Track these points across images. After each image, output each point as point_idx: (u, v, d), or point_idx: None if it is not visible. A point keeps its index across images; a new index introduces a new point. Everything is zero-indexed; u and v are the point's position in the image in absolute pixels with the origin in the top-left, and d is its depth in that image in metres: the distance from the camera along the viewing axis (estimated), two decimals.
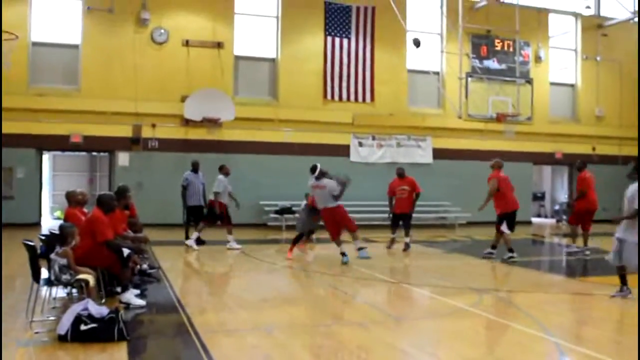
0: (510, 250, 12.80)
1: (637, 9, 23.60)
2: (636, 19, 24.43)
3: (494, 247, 13.14)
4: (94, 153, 22.46)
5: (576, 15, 25.03)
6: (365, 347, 6.39)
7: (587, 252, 13.70)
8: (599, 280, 10.68)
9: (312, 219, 13.45)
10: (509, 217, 12.94)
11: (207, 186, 14.83)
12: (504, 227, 12.86)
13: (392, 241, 14.87)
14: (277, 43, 21.05)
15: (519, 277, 11.69)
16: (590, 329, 7.43)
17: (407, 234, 14.53)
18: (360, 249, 12.52)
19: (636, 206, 8.19)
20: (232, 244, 14.16)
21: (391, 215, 14.92)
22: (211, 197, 14.29)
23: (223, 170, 14.48)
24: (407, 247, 14.33)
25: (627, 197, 8.54)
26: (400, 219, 14.68)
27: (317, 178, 12.54)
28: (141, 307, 7.77)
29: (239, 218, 15.86)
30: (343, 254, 12.07)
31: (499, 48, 22.99)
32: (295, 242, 13.22)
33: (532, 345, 6.62)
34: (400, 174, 14.79)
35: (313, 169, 12.71)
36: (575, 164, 15.09)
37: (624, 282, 8.68)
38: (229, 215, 14.36)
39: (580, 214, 14.10)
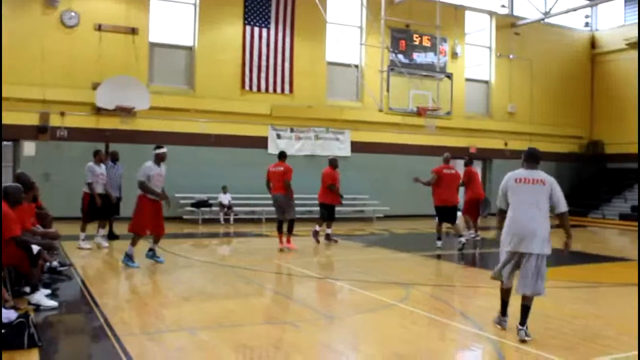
0: (439, 239, 14.00)
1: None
2: (547, 20, 25.30)
3: (460, 235, 14.01)
4: None
5: (491, 13, 25.62)
6: (295, 346, 6.14)
7: (478, 237, 15.18)
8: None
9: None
10: (438, 211, 13.97)
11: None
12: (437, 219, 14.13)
13: (316, 233, 14.73)
14: (195, 31, 20.42)
15: (441, 271, 11.75)
16: (516, 322, 7.45)
17: (329, 226, 14.82)
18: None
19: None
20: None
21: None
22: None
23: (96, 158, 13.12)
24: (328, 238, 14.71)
25: None
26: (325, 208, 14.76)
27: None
28: (53, 308, 7.21)
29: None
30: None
31: (417, 43, 23.21)
32: (289, 230, 13.15)
33: (462, 340, 6.58)
34: (334, 165, 14.74)
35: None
36: (464, 159, 16.44)
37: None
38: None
39: (470, 205, 15.36)
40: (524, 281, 6.37)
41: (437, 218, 14.10)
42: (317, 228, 14.67)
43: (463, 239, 13.83)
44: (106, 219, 13.41)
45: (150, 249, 10.86)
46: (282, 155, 13.27)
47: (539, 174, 6.51)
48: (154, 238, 10.83)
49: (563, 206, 6.43)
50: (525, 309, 6.32)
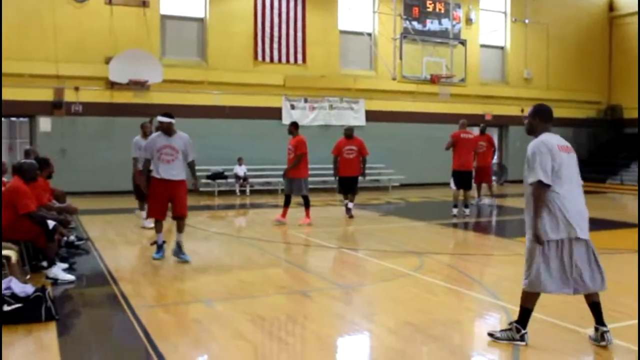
0: (455, 206, 13.99)
1: None
2: None
3: (466, 206, 14.31)
4: (13, 118, 21.24)
5: None
6: (310, 317, 6.18)
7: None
8: None
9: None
10: (455, 175, 14.07)
11: None
12: (451, 184, 14.28)
13: (349, 208, 13.72)
14: (206, 2, 20.26)
15: (457, 239, 11.73)
16: None
17: (352, 199, 13.85)
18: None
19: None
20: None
21: (337, 178, 13.97)
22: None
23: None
24: (349, 212, 13.66)
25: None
26: (347, 182, 13.80)
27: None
28: (70, 282, 7.30)
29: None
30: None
31: (430, 9, 22.87)
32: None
33: (478, 308, 6.58)
34: (349, 135, 13.77)
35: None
36: (480, 127, 16.88)
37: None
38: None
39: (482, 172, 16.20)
40: (589, 274, 5.17)
41: (454, 185, 14.11)
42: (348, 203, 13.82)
43: (467, 211, 14.17)
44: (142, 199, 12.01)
45: (177, 244, 8.92)
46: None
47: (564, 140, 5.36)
48: (177, 224, 9.00)
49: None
50: (597, 307, 5.27)
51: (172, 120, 8.96)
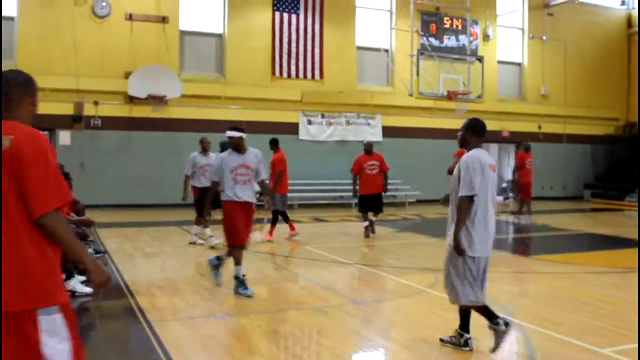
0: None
1: None
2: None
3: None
4: None
5: None
6: (325, 332, 6.20)
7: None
8: (549, 258, 10.76)
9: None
10: None
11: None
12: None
13: (369, 227, 13.22)
14: (224, 18, 20.49)
15: None
16: (549, 309, 7.40)
17: (376, 214, 13.54)
18: None
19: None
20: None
21: (359, 196, 13.35)
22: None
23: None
24: (368, 230, 13.16)
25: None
26: (371, 200, 13.25)
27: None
28: (87, 294, 7.38)
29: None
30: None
31: (447, 26, 22.94)
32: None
33: None
34: (368, 150, 13.40)
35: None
36: (523, 144, 16.88)
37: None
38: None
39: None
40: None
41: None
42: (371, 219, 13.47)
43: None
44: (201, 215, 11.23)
45: (236, 277, 7.77)
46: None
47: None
48: (239, 256, 7.87)
49: None
50: (469, 315, 5.55)
51: (243, 135, 7.79)
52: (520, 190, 16.30)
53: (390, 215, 18.40)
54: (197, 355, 5.40)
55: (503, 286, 8.68)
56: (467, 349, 5.44)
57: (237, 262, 7.77)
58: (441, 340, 5.63)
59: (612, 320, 6.51)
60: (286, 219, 12.78)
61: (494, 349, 5.31)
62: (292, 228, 12.78)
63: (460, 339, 5.50)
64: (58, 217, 2.88)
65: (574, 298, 7.50)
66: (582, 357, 5.39)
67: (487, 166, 5.26)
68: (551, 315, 6.85)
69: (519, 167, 16.30)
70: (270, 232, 12.43)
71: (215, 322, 6.50)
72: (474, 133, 5.45)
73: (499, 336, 5.28)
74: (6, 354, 2.79)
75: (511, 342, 6.00)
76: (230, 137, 7.80)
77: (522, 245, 13.62)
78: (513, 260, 11.32)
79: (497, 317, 5.32)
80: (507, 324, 5.27)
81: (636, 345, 5.53)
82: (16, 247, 2.80)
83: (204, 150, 11.58)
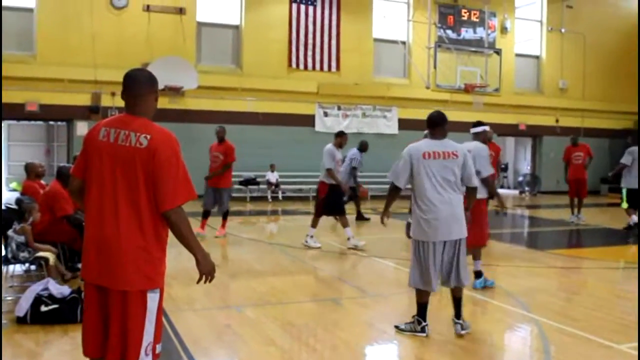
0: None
1: None
2: None
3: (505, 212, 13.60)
4: (51, 122, 21.71)
5: None
6: (339, 324, 6.21)
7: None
8: (568, 253, 10.70)
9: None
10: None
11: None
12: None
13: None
14: (241, 9, 20.50)
15: (486, 249, 11.63)
16: (564, 304, 7.37)
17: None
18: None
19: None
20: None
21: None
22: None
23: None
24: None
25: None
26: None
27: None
28: None
29: (200, 189, 15.33)
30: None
31: (465, 18, 22.81)
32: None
33: (508, 320, 6.54)
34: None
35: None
36: (571, 138, 15.49)
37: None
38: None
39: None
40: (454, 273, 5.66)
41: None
42: None
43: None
44: (342, 214, 11.09)
45: (477, 273, 7.79)
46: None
47: (452, 145, 5.71)
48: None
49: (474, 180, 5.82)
50: (458, 302, 5.79)
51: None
52: (569, 188, 15.03)
53: (402, 207, 18.31)
54: (213, 345, 5.44)
55: (518, 280, 8.65)
56: (423, 334, 5.66)
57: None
58: (396, 327, 5.88)
59: (628, 316, 6.47)
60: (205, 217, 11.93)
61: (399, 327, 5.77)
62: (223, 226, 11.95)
63: (418, 326, 5.73)
64: (182, 211, 3.29)
65: (590, 293, 7.47)
66: (597, 353, 5.37)
67: (419, 155, 5.57)
68: (567, 310, 6.83)
69: (567, 163, 15.15)
70: (223, 226, 11.91)
71: (231, 312, 6.55)
72: (427, 125, 5.87)
73: (407, 330, 5.75)
74: (114, 326, 3.23)
75: (525, 336, 6.00)
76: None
77: (535, 239, 13.55)
78: (528, 255, 11.26)
79: (424, 319, 5.70)
80: (423, 330, 5.66)
81: None
82: (142, 234, 3.25)
83: (340, 145, 11.02)
